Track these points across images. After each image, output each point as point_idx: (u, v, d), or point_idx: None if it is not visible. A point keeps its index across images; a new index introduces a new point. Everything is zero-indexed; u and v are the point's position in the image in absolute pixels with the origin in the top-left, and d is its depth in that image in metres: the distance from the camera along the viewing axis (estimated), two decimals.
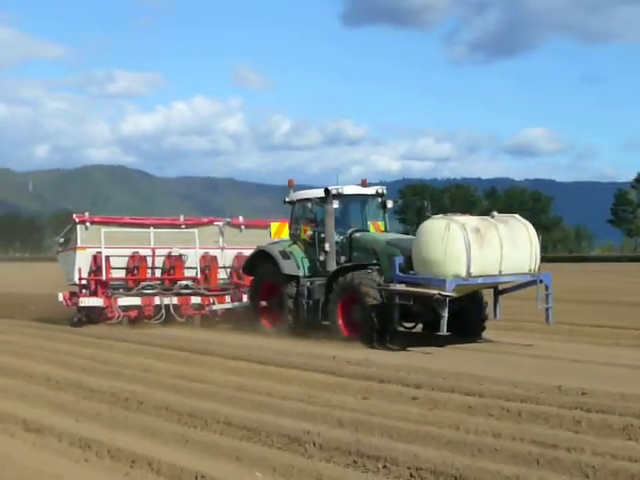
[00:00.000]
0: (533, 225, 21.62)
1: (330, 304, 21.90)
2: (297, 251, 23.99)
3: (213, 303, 27.56)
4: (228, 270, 28.88)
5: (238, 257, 28.40)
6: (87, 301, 26.04)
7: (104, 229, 26.89)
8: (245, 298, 26.85)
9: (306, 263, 23.77)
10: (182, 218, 29.41)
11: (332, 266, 22.56)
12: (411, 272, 20.35)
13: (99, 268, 26.40)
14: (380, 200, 24.64)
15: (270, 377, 16.31)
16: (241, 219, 30.20)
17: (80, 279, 26.38)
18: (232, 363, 18.30)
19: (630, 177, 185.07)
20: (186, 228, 28.91)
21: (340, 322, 21.71)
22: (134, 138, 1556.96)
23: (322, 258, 23.07)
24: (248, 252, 26.96)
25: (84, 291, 26.47)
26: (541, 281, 20.90)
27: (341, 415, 12.20)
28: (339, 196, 23.18)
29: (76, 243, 26.91)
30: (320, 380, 15.76)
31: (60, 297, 26.94)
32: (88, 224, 27.02)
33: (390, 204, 24.76)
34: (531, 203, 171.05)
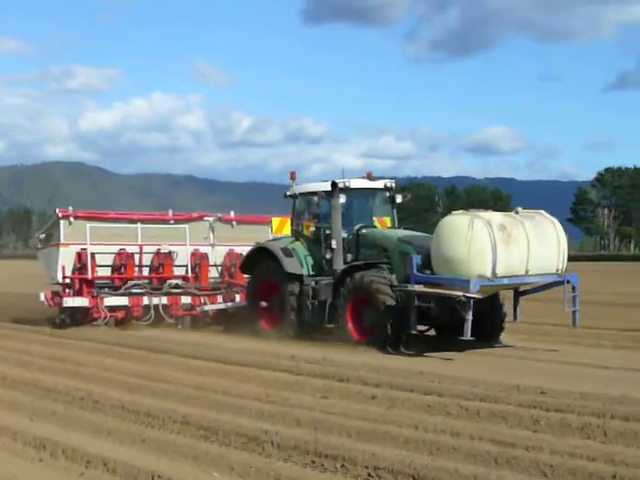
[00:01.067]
0: None
1: (338, 306, 20.43)
2: (300, 248, 22.38)
3: (204, 303, 26.04)
4: (219, 268, 27.52)
5: (229, 254, 27.19)
6: (71, 301, 24.53)
7: (89, 224, 25.40)
8: (238, 298, 25.78)
9: (310, 261, 22.19)
10: (171, 213, 28.07)
11: (339, 264, 21.14)
12: (426, 272, 18.96)
13: (84, 266, 24.91)
14: (388, 194, 23.09)
15: (228, 376, 16.31)
16: (232, 214, 28.56)
17: (64, 277, 25.03)
18: (191, 362, 18.28)
19: (590, 176, 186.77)
20: (175, 223, 27.52)
21: (350, 325, 20.22)
22: (92, 134, 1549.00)
23: (328, 256, 21.59)
24: (240, 249, 26.41)
25: (67, 290, 25.10)
26: (568, 282, 19.54)
27: (299, 414, 12.20)
28: (346, 190, 21.75)
29: (59, 239, 25.43)
30: (279, 379, 15.76)
31: (42, 297, 25.49)
32: (72, 219, 25.51)
33: (399, 199, 23.08)
34: (492, 202, 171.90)
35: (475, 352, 19.20)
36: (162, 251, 26.12)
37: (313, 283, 21.46)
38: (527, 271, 18.44)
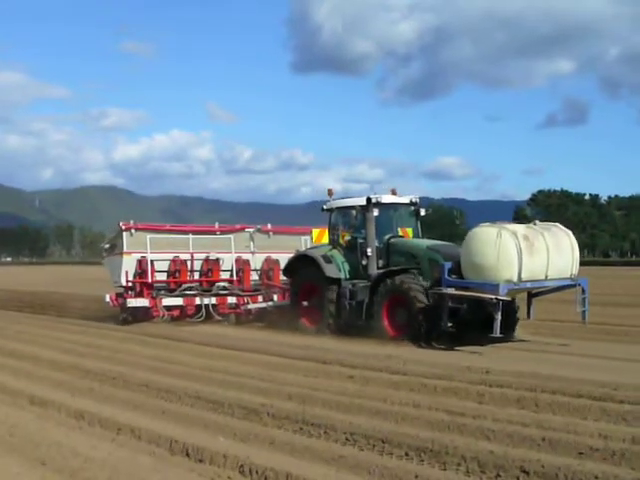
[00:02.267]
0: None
1: (375, 305, 19.41)
2: (337, 255, 21.35)
3: (247, 303, 25.03)
4: (258, 272, 26.40)
5: (267, 260, 26.30)
6: (134, 302, 23.77)
7: (149, 235, 24.61)
8: (275, 298, 24.82)
9: (346, 267, 21.12)
10: (217, 225, 27.01)
11: (373, 269, 20.29)
12: (453, 276, 18.15)
13: (144, 271, 24.13)
14: (413, 208, 22.00)
15: (232, 359, 16.29)
16: (269, 226, 27.51)
17: (127, 282, 24.26)
18: (202, 348, 18.26)
19: (526, 197, 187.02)
20: (221, 234, 26.48)
21: (385, 323, 19.18)
22: (123, 163, 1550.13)
23: (365, 262, 20.56)
24: (276, 256, 25.93)
25: (130, 293, 24.31)
26: (579, 285, 18.75)
27: (290, 390, 12.19)
28: (378, 204, 20.65)
29: (122, 248, 24.49)
30: (274, 362, 15.73)
31: (107, 298, 24.65)
32: (133, 231, 24.61)
33: (423, 212, 22.06)
34: (447, 218, 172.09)
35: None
36: (210, 258, 25.32)
37: (350, 286, 20.59)
38: (547, 276, 17.86)
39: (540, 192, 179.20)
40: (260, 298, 25.11)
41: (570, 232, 18.76)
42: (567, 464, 7.75)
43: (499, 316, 17.04)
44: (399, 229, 21.63)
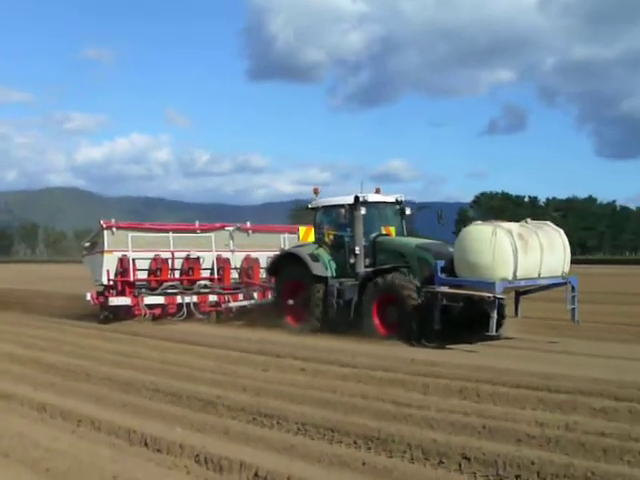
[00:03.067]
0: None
1: (364, 304, 18.44)
2: (324, 254, 20.28)
3: (228, 301, 24.01)
4: (238, 271, 25.20)
5: (247, 259, 25.17)
6: (116, 300, 22.64)
7: (131, 234, 23.40)
8: (256, 296, 23.94)
9: (333, 265, 20.08)
10: (197, 224, 25.89)
11: (361, 268, 19.27)
12: (443, 274, 17.19)
13: (125, 270, 22.99)
14: (398, 207, 21.01)
15: (190, 353, 16.22)
16: (249, 224, 26.45)
17: (109, 280, 22.95)
18: (161, 343, 18.15)
19: (469, 199, 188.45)
20: (201, 233, 25.36)
21: (376, 321, 18.21)
22: (85, 165, 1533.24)
23: (352, 261, 19.54)
24: (255, 254, 25.10)
25: (111, 291, 23.09)
26: (569, 283, 17.70)
27: (245, 383, 12.16)
28: (365, 203, 19.69)
29: (103, 247, 23.29)
30: (229, 356, 15.68)
31: (88, 296, 23.36)
32: (114, 229, 23.42)
33: (408, 211, 21.09)
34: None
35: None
36: (191, 256, 24.20)
37: (337, 284, 19.53)
38: (539, 274, 17.11)
39: (483, 194, 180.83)
40: (240, 296, 24.26)
41: (561, 231, 18.14)
42: (506, 451, 7.82)
43: (495, 314, 16.51)
44: (382, 228, 20.66)
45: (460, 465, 7.60)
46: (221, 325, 21.83)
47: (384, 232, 20.50)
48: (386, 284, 18.12)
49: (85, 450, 8.48)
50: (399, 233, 20.77)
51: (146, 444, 8.66)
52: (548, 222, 18.53)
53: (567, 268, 17.68)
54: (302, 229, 21.43)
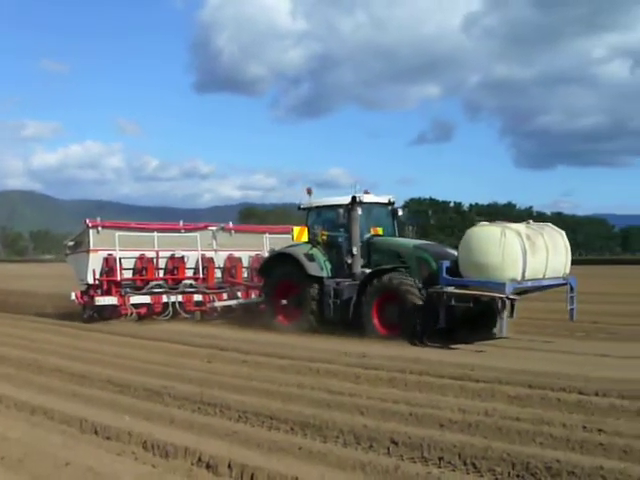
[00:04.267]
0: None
1: (364, 304, 17.18)
2: (318, 254, 18.90)
3: (213, 300, 22.52)
4: (221, 270, 23.58)
5: (229, 258, 23.57)
6: (103, 300, 21.09)
7: (118, 233, 21.75)
8: (240, 295, 22.71)
9: (327, 265, 18.76)
10: (181, 223, 24.09)
11: (358, 268, 18.14)
12: (444, 275, 16.00)
13: (111, 269, 21.40)
14: (390, 208, 19.68)
15: (140, 347, 16.07)
16: (231, 224, 24.74)
17: (95, 279, 21.36)
18: (113, 337, 17.96)
19: (400, 203, 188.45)
20: (185, 232, 23.69)
21: (375, 321, 17.01)
22: (41, 170, 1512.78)
23: (350, 261, 18.34)
24: (238, 254, 23.65)
25: (97, 290, 21.49)
26: (568, 283, 16.67)
27: (190, 374, 12.09)
28: (360, 203, 18.54)
29: (89, 246, 21.56)
30: (176, 349, 15.57)
31: (72, 296, 21.70)
32: (100, 228, 21.71)
33: (400, 212, 19.76)
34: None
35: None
36: (176, 256, 22.59)
37: (334, 284, 18.21)
38: (544, 275, 15.99)
39: (412, 200, 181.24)
40: (225, 295, 22.83)
41: (563, 232, 17.07)
42: (430, 435, 7.90)
43: (505, 315, 15.63)
44: (371, 228, 19.18)
45: (389, 449, 7.64)
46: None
47: (372, 232, 19.17)
48: (387, 284, 16.95)
49: (39, 438, 8.37)
50: (390, 234, 19.53)
51: (96, 432, 8.58)
52: (549, 224, 17.36)
53: (568, 269, 16.75)
54: (296, 229, 19.57)
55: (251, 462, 7.14)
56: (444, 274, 16.01)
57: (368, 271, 17.78)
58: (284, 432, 8.51)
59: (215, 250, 23.62)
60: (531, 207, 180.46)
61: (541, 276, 15.92)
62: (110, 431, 8.48)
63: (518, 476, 6.70)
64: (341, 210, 18.71)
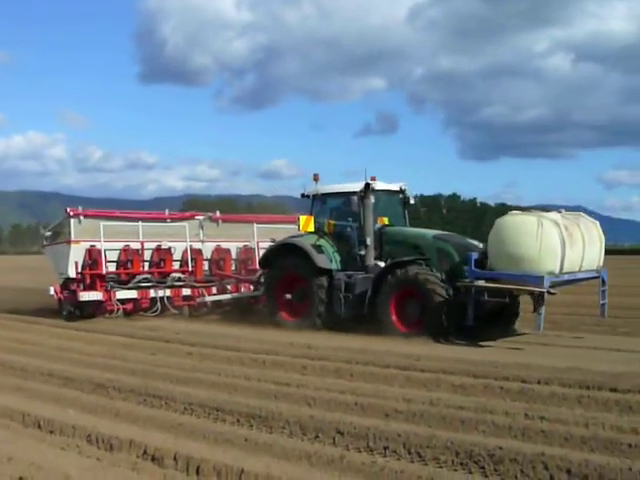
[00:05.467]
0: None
1: (380, 299, 15.84)
2: (326, 245, 17.46)
3: (202, 294, 20.90)
4: (208, 262, 22.09)
5: (217, 250, 22.02)
6: (87, 295, 19.24)
7: (103, 222, 19.90)
8: (229, 289, 21.29)
9: (337, 257, 17.36)
10: (167, 212, 22.38)
11: (371, 260, 16.82)
12: (473, 268, 14.84)
13: (95, 261, 19.64)
14: (402, 196, 18.20)
15: (83, 340, 15.96)
16: (218, 214, 22.96)
17: (77, 273, 19.57)
18: (55, 330, 17.80)
19: None
20: (172, 222, 21.94)
21: (394, 317, 15.64)
22: None
23: (362, 252, 16.93)
24: (226, 245, 22.16)
25: (78, 285, 19.67)
26: (601, 277, 15.71)
27: (134, 367, 12.04)
28: (373, 191, 17.12)
29: (70, 237, 19.72)
30: (120, 341, 15.47)
31: (51, 290, 20.09)
32: (82, 217, 19.88)
33: (412, 200, 18.41)
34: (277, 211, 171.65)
35: None
36: (162, 247, 20.89)
37: (345, 277, 16.86)
38: (580, 268, 14.86)
39: None
40: (214, 289, 21.32)
41: (597, 223, 15.86)
42: (375, 425, 7.96)
43: (543, 311, 14.16)
44: (377, 218, 17.57)
45: (334, 439, 7.69)
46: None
47: (379, 222, 17.68)
48: (409, 278, 15.56)
49: None
50: (401, 223, 18.16)
51: (40, 426, 8.48)
52: (582, 213, 16.09)
53: (601, 261, 15.70)
54: (302, 218, 18.03)
55: (197, 454, 7.14)
56: (473, 267, 14.88)
57: (381, 264, 16.71)
58: (230, 424, 8.51)
59: (202, 241, 22.16)
60: (475, 198, 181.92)
61: (577, 269, 14.84)
62: (54, 425, 8.39)
63: (462, 464, 6.80)
64: (355, 197, 17.23)
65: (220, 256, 22.09)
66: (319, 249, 17.30)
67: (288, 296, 17.62)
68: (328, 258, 17.26)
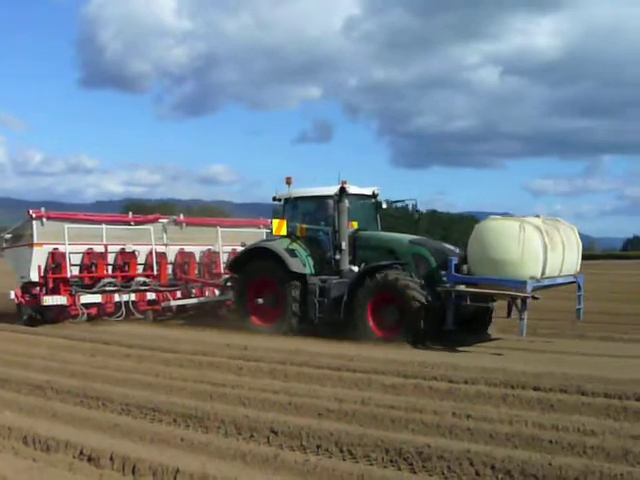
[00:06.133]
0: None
1: (357, 304, 15.18)
2: (299, 249, 16.75)
3: (167, 299, 19.82)
4: (172, 266, 20.93)
5: (181, 253, 20.91)
6: (51, 299, 17.99)
7: (67, 225, 18.64)
8: (194, 293, 20.43)
9: (310, 261, 16.65)
10: (131, 215, 21.25)
11: (345, 264, 16.15)
12: (453, 273, 14.37)
13: (58, 265, 18.46)
14: (374, 200, 17.65)
15: (22, 342, 15.59)
16: (182, 217, 21.83)
17: (41, 277, 18.35)
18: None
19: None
20: (135, 225, 20.70)
21: (371, 323, 15.03)
22: None
23: (338, 257, 16.22)
24: (190, 248, 21.09)
25: (40, 289, 18.41)
26: (577, 282, 15.47)
27: (73, 368, 11.80)
28: (347, 195, 16.42)
29: (32, 239, 18.43)
30: (59, 343, 15.15)
31: (12, 294, 18.73)
32: (44, 219, 18.56)
33: (384, 205, 17.69)
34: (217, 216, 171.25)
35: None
36: (126, 250, 19.75)
37: (319, 282, 16.12)
38: (560, 272, 14.52)
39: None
40: (178, 294, 20.21)
41: (575, 228, 15.54)
42: (309, 424, 7.92)
43: (526, 316, 13.64)
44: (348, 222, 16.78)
45: (269, 438, 7.64)
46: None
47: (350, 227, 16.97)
48: (387, 283, 14.92)
49: None
50: (373, 228, 17.60)
51: None
52: (559, 219, 15.62)
53: (579, 266, 15.45)
54: (275, 222, 17.24)
55: (133, 454, 7.01)
56: (453, 271, 14.37)
57: (355, 268, 16.22)
58: (166, 424, 8.38)
59: (166, 244, 20.95)
60: (407, 205, 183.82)
61: (557, 274, 14.50)
62: None
63: (391, 461, 6.81)
64: (330, 201, 16.68)
65: (184, 260, 21.17)
66: (292, 253, 16.64)
67: (260, 301, 16.92)
68: (302, 262, 16.60)
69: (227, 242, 21.19)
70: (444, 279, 14.72)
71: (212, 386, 10.22)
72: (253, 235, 21.67)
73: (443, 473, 6.48)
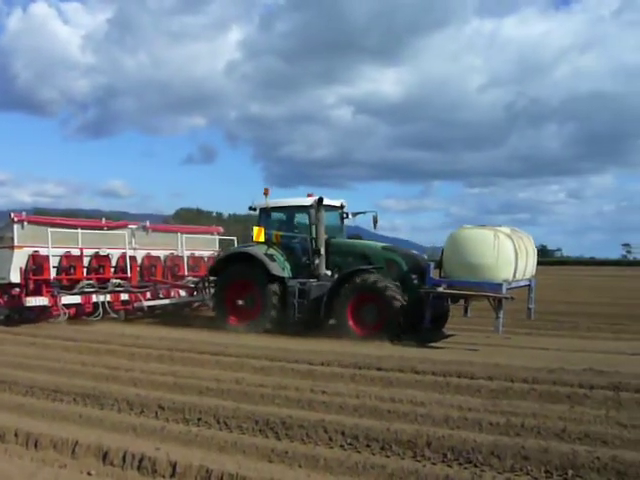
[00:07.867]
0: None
1: (337, 305, 14.16)
2: (277, 254, 15.60)
3: (138, 299, 18.10)
4: (140, 268, 19.27)
5: (148, 257, 19.44)
6: (33, 300, 16.22)
7: (51, 229, 16.96)
8: (161, 294, 18.84)
9: (287, 265, 15.54)
10: (104, 221, 19.42)
11: (323, 269, 15.19)
12: (431, 276, 13.77)
13: (40, 267, 16.71)
14: (341, 211, 16.63)
15: None
16: (148, 223, 20.28)
17: (23, 278, 16.40)
18: None
19: (172, 212, 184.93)
20: (109, 230, 19.09)
21: (351, 322, 13.99)
22: None
23: (317, 261, 15.22)
24: (156, 253, 19.66)
25: (21, 290, 16.39)
26: (531, 285, 14.80)
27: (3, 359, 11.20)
28: (322, 205, 15.41)
29: (13, 242, 16.58)
30: None
31: None
32: (25, 223, 16.80)
33: (350, 216, 16.72)
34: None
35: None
36: (101, 254, 18.11)
37: (298, 284, 15.07)
38: (523, 276, 13.95)
39: (182, 209, 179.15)
40: (148, 294, 18.66)
41: (531, 237, 14.88)
42: (191, 400, 7.86)
43: (502, 314, 13.07)
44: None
45: (156, 413, 7.53)
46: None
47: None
48: (366, 285, 14.03)
49: None
50: (340, 236, 16.53)
51: None
52: (516, 228, 14.74)
53: (534, 271, 14.92)
54: (256, 229, 16.06)
55: (36, 430, 6.76)
56: (430, 274, 13.76)
57: (328, 272, 15.30)
58: (67, 403, 8.12)
59: (134, 249, 19.38)
60: None
61: (521, 277, 13.87)
62: None
63: (260, 430, 6.84)
64: (311, 210, 15.53)
65: (151, 263, 19.68)
66: (271, 258, 15.50)
67: (240, 302, 15.56)
68: (280, 266, 15.47)
69: (187, 247, 20.43)
70: (415, 282, 14.24)
71: (108, 369, 9.96)
72: (208, 241, 21.15)
73: (302, 439, 6.57)
